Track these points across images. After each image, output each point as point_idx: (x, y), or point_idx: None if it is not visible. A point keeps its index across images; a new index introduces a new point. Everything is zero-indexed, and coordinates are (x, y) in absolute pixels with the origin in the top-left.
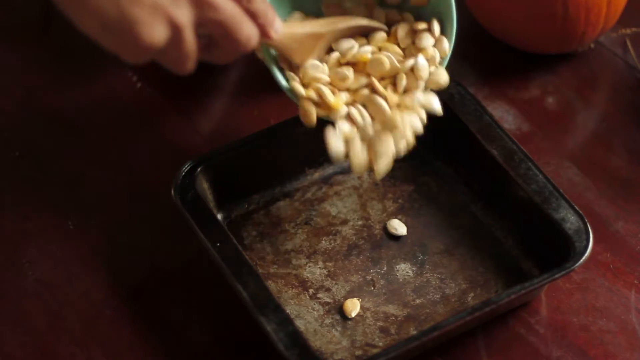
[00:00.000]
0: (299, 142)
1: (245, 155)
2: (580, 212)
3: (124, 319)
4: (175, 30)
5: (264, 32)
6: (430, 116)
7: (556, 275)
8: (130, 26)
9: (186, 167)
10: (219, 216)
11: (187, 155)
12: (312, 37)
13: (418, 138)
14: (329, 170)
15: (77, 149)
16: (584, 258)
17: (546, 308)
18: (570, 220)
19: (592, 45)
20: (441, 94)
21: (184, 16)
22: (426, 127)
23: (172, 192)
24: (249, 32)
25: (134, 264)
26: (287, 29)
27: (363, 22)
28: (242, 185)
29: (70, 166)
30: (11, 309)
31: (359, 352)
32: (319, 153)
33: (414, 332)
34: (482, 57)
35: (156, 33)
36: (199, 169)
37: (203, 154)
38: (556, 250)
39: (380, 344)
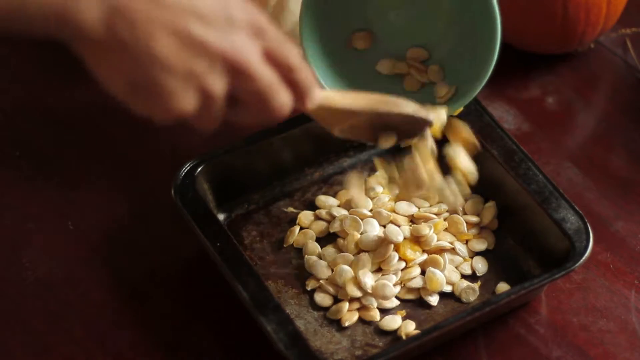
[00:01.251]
0: (299, 142)
1: (245, 155)
2: (580, 212)
3: (124, 319)
4: (207, 99)
5: (299, 100)
6: None
7: (556, 275)
8: (160, 95)
9: (186, 167)
10: (219, 216)
11: (187, 155)
12: (347, 114)
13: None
14: (329, 170)
15: (77, 149)
16: (584, 258)
17: (546, 308)
18: (570, 220)
19: (592, 45)
20: None
21: (218, 86)
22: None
23: (172, 192)
24: (282, 102)
25: (134, 264)
26: (324, 100)
27: (408, 109)
28: (242, 185)
29: (70, 166)
30: (11, 309)
31: (359, 352)
32: (319, 153)
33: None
34: None
35: (186, 102)
36: (199, 169)
37: (203, 154)
38: (556, 250)
39: (380, 344)
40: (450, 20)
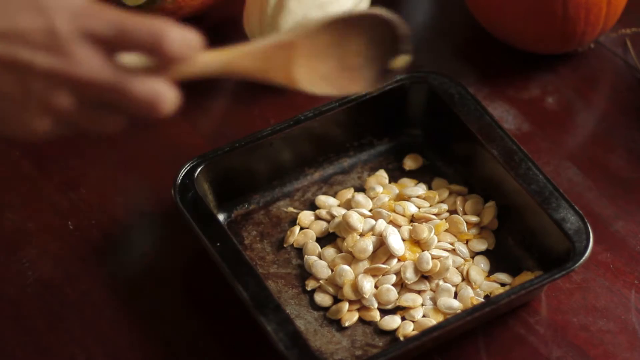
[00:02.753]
0: (299, 142)
1: (245, 155)
2: (580, 212)
3: (124, 319)
4: (64, 116)
5: (176, 68)
6: (431, 116)
7: (556, 275)
8: (6, 122)
9: (186, 167)
10: (219, 216)
11: (187, 155)
12: (280, 49)
13: (418, 137)
14: (329, 170)
15: (77, 149)
16: (584, 258)
17: (546, 308)
18: (570, 220)
19: (592, 45)
20: (441, 94)
21: (66, 102)
22: (426, 126)
23: (172, 192)
24: (147, 94)
25: (133, 263)
26: (232, 51)
27: (339, 14)
28: (242, 185)
29: (70, 166)
30: (11, 309)
31: (359, 352)
32: (319, 153)
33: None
34: (482, 57)
35: (39, 124)
36: (199, 169)
37: (203, 154)
38: (556, 250)
39: (380, 344)
40: None
